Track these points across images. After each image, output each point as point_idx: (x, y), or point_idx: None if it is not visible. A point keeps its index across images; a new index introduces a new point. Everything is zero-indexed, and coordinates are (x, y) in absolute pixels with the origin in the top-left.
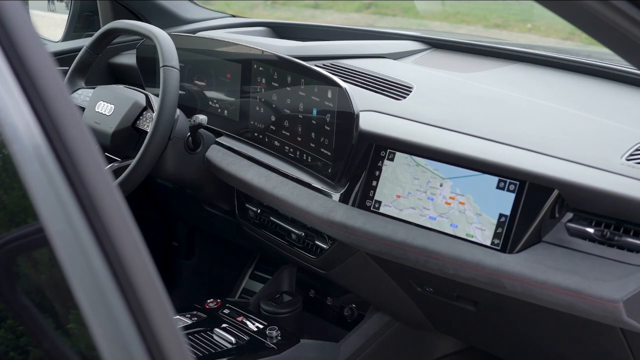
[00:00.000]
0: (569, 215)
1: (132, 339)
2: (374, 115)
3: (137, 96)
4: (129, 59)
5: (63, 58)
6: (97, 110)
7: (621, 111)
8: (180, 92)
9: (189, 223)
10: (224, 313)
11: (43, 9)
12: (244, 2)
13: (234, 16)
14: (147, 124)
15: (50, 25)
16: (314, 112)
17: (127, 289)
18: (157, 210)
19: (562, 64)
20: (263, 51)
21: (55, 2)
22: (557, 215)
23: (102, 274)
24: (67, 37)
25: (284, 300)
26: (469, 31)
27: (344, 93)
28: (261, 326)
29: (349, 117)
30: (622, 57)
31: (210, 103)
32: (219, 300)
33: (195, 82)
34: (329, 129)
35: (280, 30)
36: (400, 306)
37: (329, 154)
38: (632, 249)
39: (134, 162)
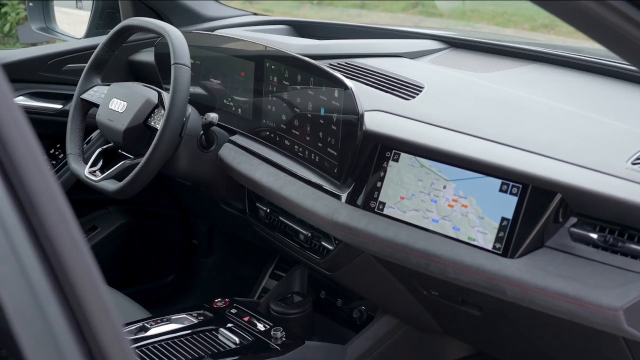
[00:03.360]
0: (573, 220)
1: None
2: (381, 115)
3: (149, 94)
4: (148, 56)
5: (84, 55)
6: (110, 107)
7: (635, 114)
8: (197, 89)
9: (208, 221)
10: (231, 313)
11: (71, 6)
12: (291, 2)
13: (255, 14)
14: (159, 122)
15: (77, 23)
16: (322, 111)
17: (70, 297)
18: (177, 208)
19: (581, 64)
20: (266, 47)
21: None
22: (560, 219)
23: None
24: (89, 34)
25: (294, 300)
26: (515, 32)
27: (349, 92)
28: (267, 327)
29: (353, 117)
30: (621, 56)
31: (225, 101)
32: (227, 300)
33: (211, 79)
34: (335, 128)
35: (301, 29)
36: (408, 309)
37: (335, 153)
38: (635, 255)
39: (143, 159)
